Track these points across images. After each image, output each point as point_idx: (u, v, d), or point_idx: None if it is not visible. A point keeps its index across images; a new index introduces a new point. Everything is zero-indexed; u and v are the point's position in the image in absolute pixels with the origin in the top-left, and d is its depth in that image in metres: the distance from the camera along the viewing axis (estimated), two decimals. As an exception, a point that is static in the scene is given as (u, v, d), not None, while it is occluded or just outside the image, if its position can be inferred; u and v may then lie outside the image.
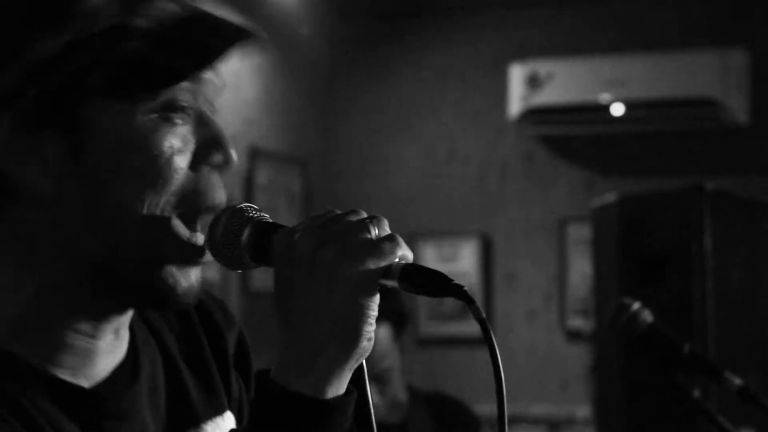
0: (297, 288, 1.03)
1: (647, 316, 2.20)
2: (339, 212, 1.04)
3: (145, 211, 1.08)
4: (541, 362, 5.67)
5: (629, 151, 5.67)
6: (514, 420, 5.43)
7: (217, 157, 1.09)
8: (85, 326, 1.10)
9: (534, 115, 5.47)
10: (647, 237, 3.55)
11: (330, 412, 1.02)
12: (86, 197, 1.07)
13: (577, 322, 5.53)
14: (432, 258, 5.84)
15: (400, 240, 1.02)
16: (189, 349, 1.27)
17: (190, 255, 1.09)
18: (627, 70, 5.28)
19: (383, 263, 1.01)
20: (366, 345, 1.03)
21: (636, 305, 2.19)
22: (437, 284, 1.00)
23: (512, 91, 5.43)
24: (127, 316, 1.14)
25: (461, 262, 5.84)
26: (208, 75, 1.11)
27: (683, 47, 5.36)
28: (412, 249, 1.32)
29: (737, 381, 2.13)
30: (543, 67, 5.34)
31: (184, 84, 1.09)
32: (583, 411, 5.10)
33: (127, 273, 1.09)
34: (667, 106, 5.25)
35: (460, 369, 5.77)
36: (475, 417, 3.66)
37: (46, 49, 1.04)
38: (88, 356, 1.10)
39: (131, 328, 1.19)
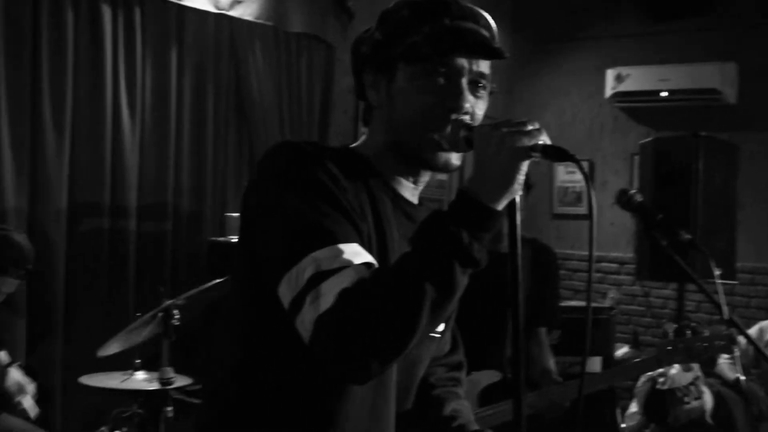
0: (481, 151, 1.46)
1: (638, 197, 2.71)
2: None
3: (409, 123, 1.63)
4: (617, 229, 7.32)
5: (668, 117, 7.18)
6: (600, 260, 7.43)
7: (453, 104, 1.59)
8: (405, 173, 1.71)
9: (619, 96, 7.17)
10: (667, 161, 4.45)
11: (491, 214, 1.44)
12: (387, 108, 1.67)
13: (637, 208, 6.80)
14: (561, 173, 7.63)
15: (543, 131, 1.43)
16: None
17: (438, 148, 1.62)
18: (670, 73, 6.91)
19: (531, 142, 1.42)
20: (515, 188, 1.45)
21: (632, 191, 2.71)
22: (562, 154, 1.41)
23: (608, 83, 7.17)
24: (424, 176, 1.73)
25: (578, 175, 7.53)
26: (462, 61, 1.59)
27: (700, 60, 6.85)
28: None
29: (687, 235, 2.72)
30: (624, 70, 7.07)
31: (451, 64, 1.59)
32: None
33: (408, 146, 1.65)
34: (690, 92, 6.81)
35: (574, 234, 7.57)
36: (554, 255, 3.95)
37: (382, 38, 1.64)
38: (406, 189, 1.72)
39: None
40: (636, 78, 7.06)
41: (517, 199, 1.47)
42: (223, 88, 5.43)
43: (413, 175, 1.71)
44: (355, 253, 1.44)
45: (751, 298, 6.91)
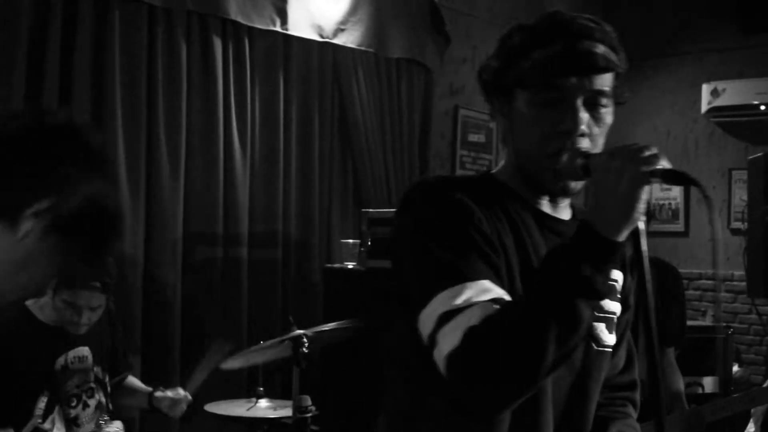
0: (600, 180, 1.43)
1: None
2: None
3: (527, 149, 1.64)
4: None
5: (767, 131, 7.02)
6: (698, 278, 7.41)
7: (564, 126, 1.57)
8: (540, 193, 1.69)
9: (715, 111, 7.13)
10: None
11: (614, 247, 1.42)
12: (511, 133, 1.68)
13: (737, 224, 6.95)
14: (656, 190, 7.30)
15: (663, 156, 1.39)
16: None
17: (547, 172, 1.60)
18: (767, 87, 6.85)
19: (651, 168, 1.38)
20: (636, 216, 1.42)
21: None
22: (683, 178, 1.38)
23: (703, 98, 7.13)
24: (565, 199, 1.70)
25: (673, 192, 7.59)
26: (574, 81, 1.56)
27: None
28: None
29: None
30: (720, 85, 7.02)
31: (563, 86, 1.56)
32: (740, 273, 6.23)
33: (528, 172, 1.66)
34: (790, 106, 6.79)
35: (671, 251, 7.38)
36: (679, 274, 3.96)
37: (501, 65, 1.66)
38: (549, 207, 1.73)
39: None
40: (732, 92, 7.02)
41: (641, 225, 1.45)
42: (328, 114, 5.50)
43: (545, 195, 1.71)
44: (484, 290, 1.47)
45: None
